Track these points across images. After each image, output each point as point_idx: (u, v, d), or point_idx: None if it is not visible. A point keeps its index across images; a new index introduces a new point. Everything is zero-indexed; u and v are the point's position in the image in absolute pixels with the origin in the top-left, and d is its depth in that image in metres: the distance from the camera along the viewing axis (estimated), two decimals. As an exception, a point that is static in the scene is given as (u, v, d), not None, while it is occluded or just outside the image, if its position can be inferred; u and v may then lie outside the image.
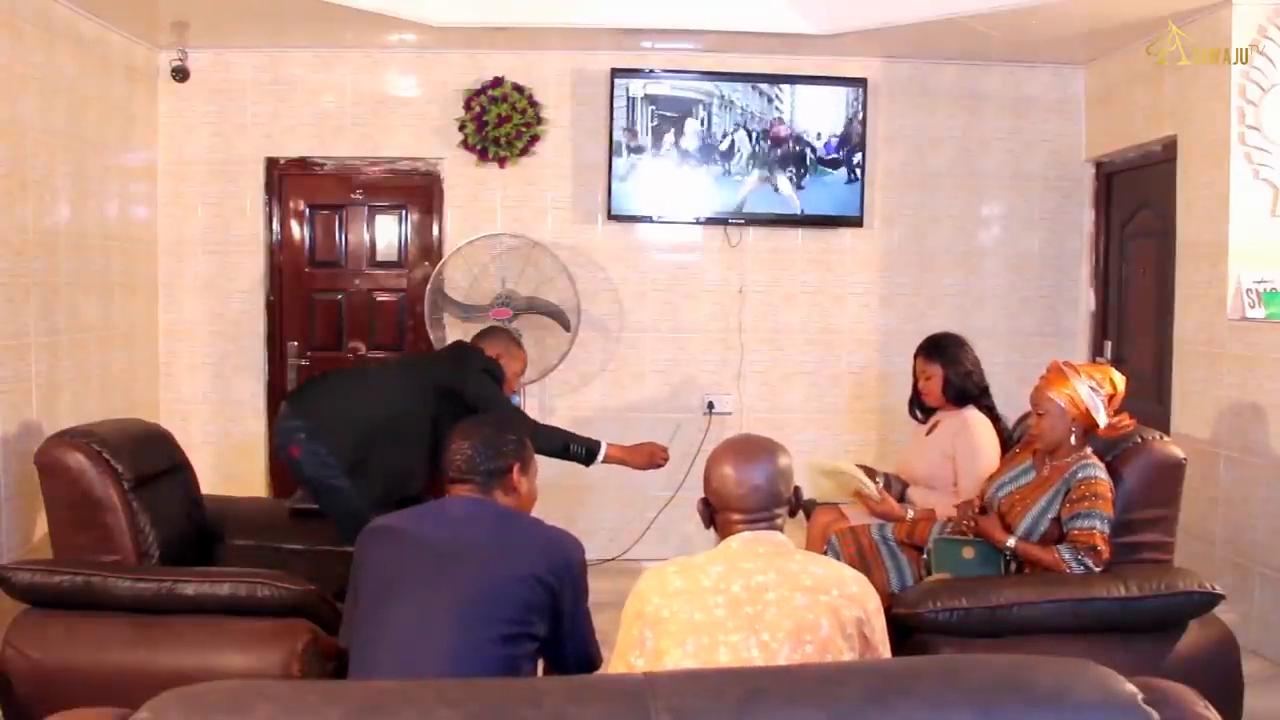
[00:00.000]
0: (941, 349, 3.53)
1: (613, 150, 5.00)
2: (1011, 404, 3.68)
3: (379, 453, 3.28)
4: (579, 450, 3.56)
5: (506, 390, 3.62)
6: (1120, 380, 2.92)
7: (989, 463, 3.33)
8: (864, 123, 5.06)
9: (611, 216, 5.07)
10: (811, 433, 5.23)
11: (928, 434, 3.58)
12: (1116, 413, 2.92)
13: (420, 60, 5.09)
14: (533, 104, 5.03)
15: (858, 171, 5.06)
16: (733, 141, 5.03)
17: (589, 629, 2.20)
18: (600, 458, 3.58)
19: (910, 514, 3.35)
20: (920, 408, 3.66)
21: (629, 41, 4.98)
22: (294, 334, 5.21)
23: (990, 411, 3.50)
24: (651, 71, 5.04)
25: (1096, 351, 5.17)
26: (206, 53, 5.00)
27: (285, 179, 5.18)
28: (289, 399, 3.51)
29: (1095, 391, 2.87)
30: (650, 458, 3.63)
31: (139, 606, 2.69)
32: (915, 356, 3.62)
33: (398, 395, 3.41)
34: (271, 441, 5.16)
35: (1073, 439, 2.90)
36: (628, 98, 4.99)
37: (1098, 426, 2.87)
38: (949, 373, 3.48)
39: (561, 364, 4.81)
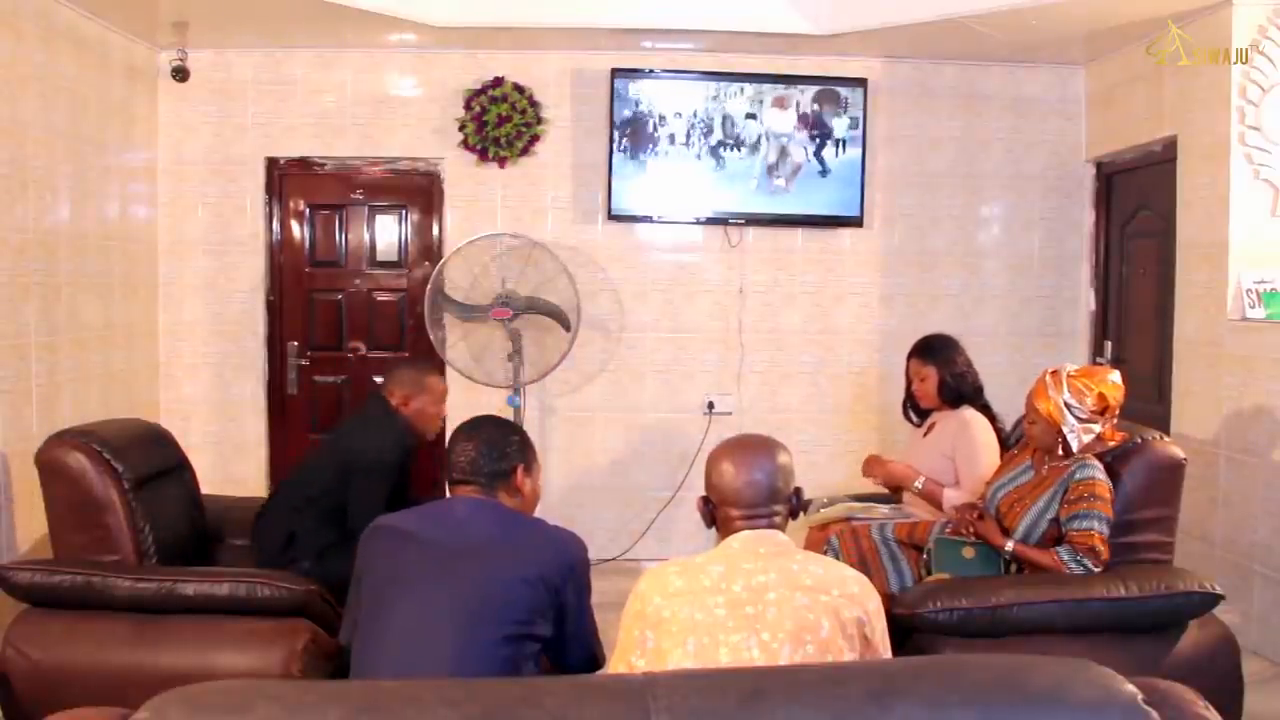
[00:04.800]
0: (935, 350, 3.54)
1: (613, 150, 5.00)
2: (1011, 405, 3.68)
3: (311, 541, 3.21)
4: None
5: (429, 426, 3.46)
6: (1114, 391, 2.87)
7: (989, 461, 3.33)
8: (864, 123, 5.06)
9: (611, 216, 5.07)
10: (811, 433, 5.23)
11: (925, 436, 3.59)
12: (1114, 419, 2.91)
13: (420, 60, 5.09)
14: (533, 104, 5.03)
15: (858, 171, 5.06)
16: (733, 141, 5.03)
17: (593, 628, 2.20)
18: None
19: (919, 483, 3.39)
20: (915, 410, 3.66)
21: (629, 41, 4.98)
22: (294, 334, 5.21)
23: (987, 411, 3.51)
24: (651, 71, 5.04)
25: (1096, 352, 5.17)
26: (206, 53, 5.00)
27: (285, 179, 5.18)
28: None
29: (1073, 409, 2.83)
30: None
31: (139, 606, 2.69)
32: (908, 359, 3.62)
33: (319, 484, 3.28)
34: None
35: (1060, 449, 2.89)
36: (628, 97, 4.99)
37: (1071, 449, 2.85)
38: (944, 374, 3.48)
39: (562, 364, 4.80)
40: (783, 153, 5.05)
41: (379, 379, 5.12)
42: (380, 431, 3.32)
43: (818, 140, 5.05)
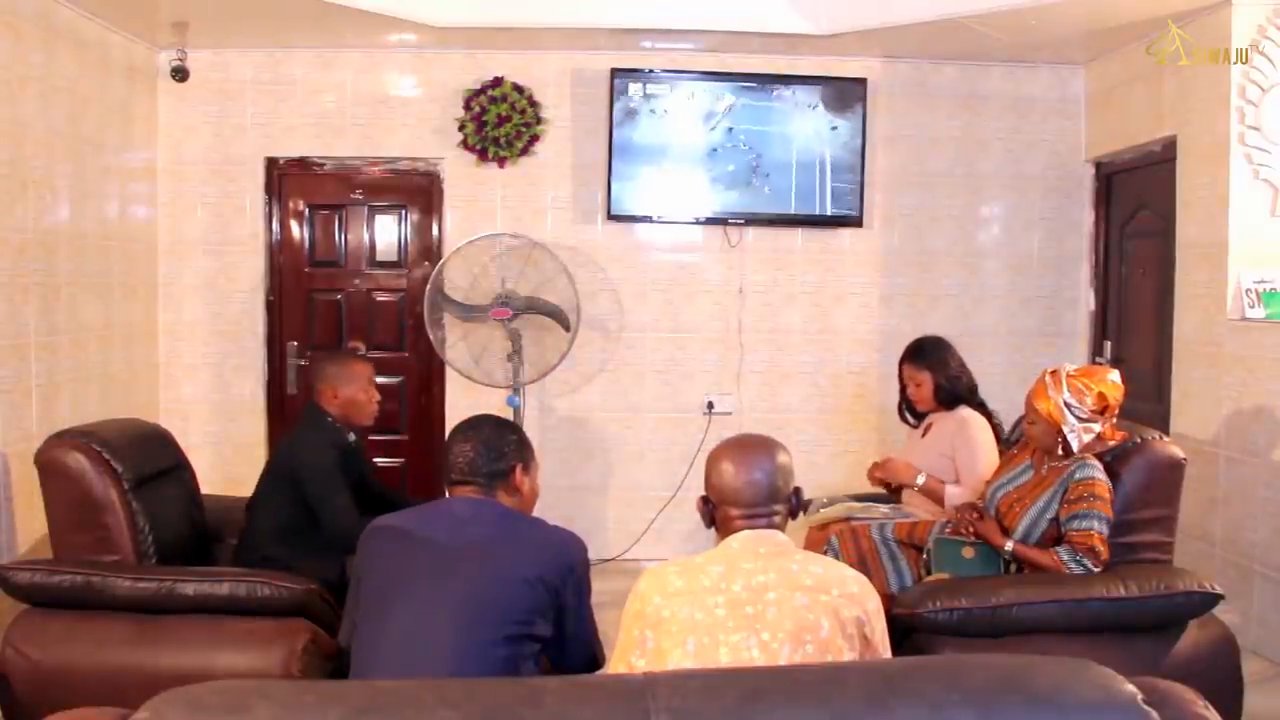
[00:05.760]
0: (927, 354, 3.53)
1: (613, 150, 5.00)
2: (1012, 405, 3.68)
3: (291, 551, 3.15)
4: None
5: (363, 412, 3.35)
6: (1114, 390, 2.87)
7: (989, 460, 3.33)
8: (864, 122, 5.06)
9: (611, 216, 5.07)
10: (811, 432, 5.23)
11: (923, 436, 3.59)
12: (1113, 419, 2.91)
13: (420, 60, 5.09)
14: (533, 104, 5.03)
15: (857, 171, 5.06)
16: (732, 142, 5.03)
17: (592, 629, 2.20)
18: None
19: (921, 479, 3.38)
20: (911, 412, 3.66)
21: (629, 41, 4.98)
22: (294, 334, 5.20)
23: (983, 409, 3.51)
24: (651, 71, 5.03)
25: (1096, 352, 5.17)
26: (206, 53, 5.00)
27: (285, 179, 5.18)
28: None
29: (1073, 408, 2.82)
30: None
31: (139, 606, 2.69)
32: (901, 364, 3.62)
33: (272, 504, 3.23)
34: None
35: (1060, 449, 2.89)
36: (628, 97, 4.99)
37: (1071, 449, 2.85)
38: (938, 377, 3.48)
39: (561, 364, 4.80)
40: (782, 153, 5.04)
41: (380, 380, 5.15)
42: (307, 439, 3.24)
43: (818, 140, 5.04)
